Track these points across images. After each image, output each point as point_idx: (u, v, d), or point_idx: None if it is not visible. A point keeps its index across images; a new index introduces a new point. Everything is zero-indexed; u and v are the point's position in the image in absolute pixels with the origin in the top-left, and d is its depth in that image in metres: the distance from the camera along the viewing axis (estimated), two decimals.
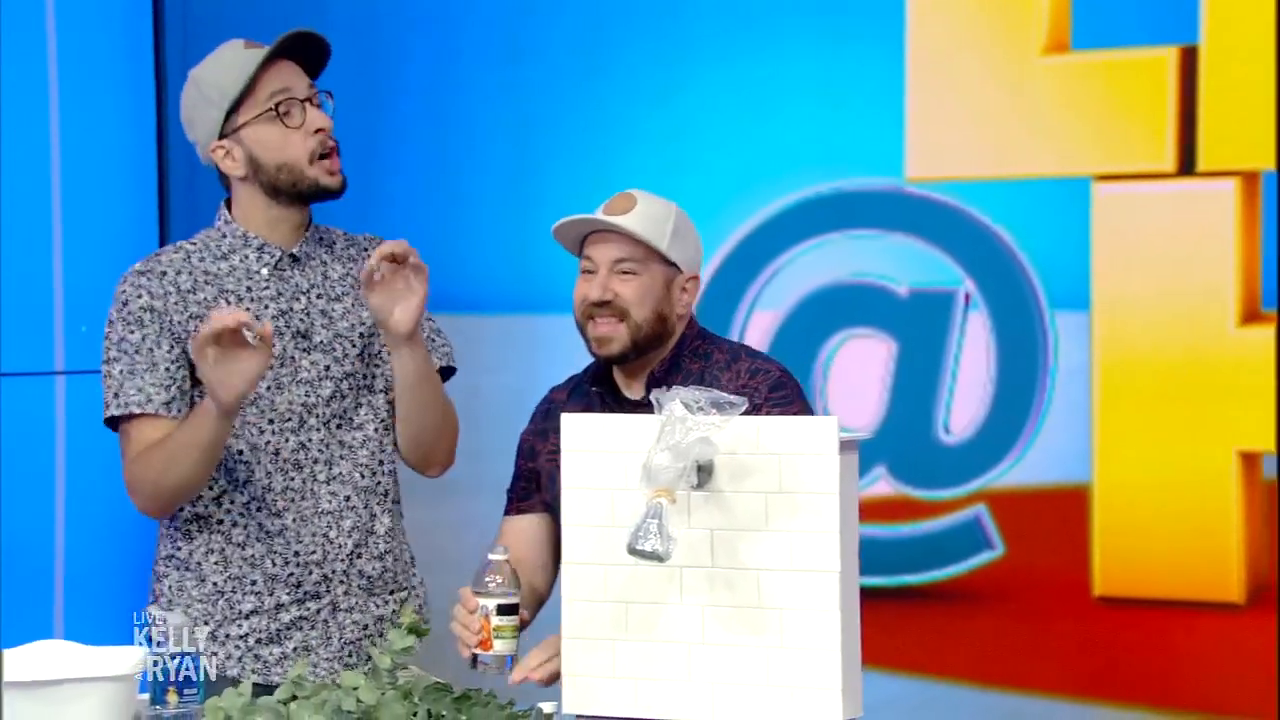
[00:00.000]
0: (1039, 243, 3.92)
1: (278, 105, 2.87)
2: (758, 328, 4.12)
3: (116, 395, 2.85)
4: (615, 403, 3.02)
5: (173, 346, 2.84)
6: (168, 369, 2.84)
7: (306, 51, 2.95)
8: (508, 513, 3.11)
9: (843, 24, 4.06)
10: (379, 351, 2.97)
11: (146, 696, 2.50)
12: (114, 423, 2.89)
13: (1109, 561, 3.87)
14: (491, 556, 2.72)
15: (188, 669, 2.49)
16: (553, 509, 3.00)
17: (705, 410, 2.51)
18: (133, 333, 2.85)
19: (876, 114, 4.03)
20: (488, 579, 2.72)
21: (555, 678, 2.71)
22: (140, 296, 2.85)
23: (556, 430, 2.77)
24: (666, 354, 3.03)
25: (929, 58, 4.00)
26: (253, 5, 4.37)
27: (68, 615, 4.23)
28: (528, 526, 3.07)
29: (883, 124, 4.03)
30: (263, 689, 2.76)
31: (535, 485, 3.07)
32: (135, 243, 4.18)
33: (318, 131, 2.89)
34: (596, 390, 3.03)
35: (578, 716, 2.61)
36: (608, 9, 4.26)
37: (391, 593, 3.01)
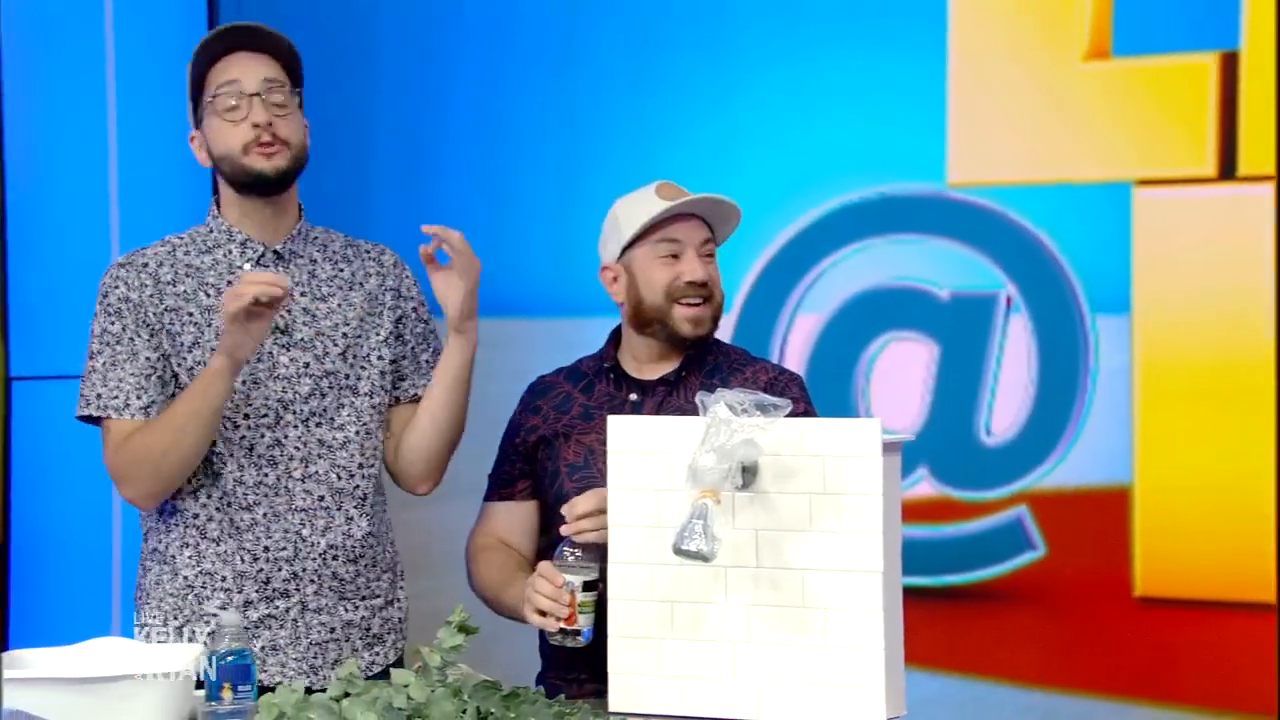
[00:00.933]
0: (1080, 247, 3.92)
1: (216, 98, 2.88)
2: (801, 330, 4.13)
3: (99, 395, 2.85)
4: (626, 382, 3.01)
5: (151, 336, 2.85)
6: (147, 358, 2.84)
7: (277, 48, 2.95)
8: (490, 498, 3.08)
9: (886, 30, 4.06)
10: (366, 355, 2.95)
11: (202, 693, 2.52)
12: (90, 419, 2.90)
13: (1150, 562, 3.86)
14: (568, 532, 2.74)
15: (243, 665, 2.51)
16: (541, 495, 3.02)
17: (750, 412, 2.52)
18: (112, 324, 2.86)
19: (919, 119, 4.03)
20: (569, 555, 2.74)
21: (602, 543, 2.69)
22: (118, 288, 2.87)
23: (548, 402, 2.95)
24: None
25: (971, 64, 4.00)
26: (306, 7, 4.39)
27: (124, 613, 4.24)
28: (516, 509, 3.04)
29: (925, 129, 4.03)
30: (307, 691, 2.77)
31: (521, 468, 3.05)
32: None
33: (254, 126, 2.88)
34: (608, 365, 3.02)
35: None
36: (656, 15, 4.27)
37: (364, 599, 2.96)
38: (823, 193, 4.12)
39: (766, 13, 4.17)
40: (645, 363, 3.01)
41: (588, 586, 2.73)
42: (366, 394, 2.94)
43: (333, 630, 2.93)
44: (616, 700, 2.64)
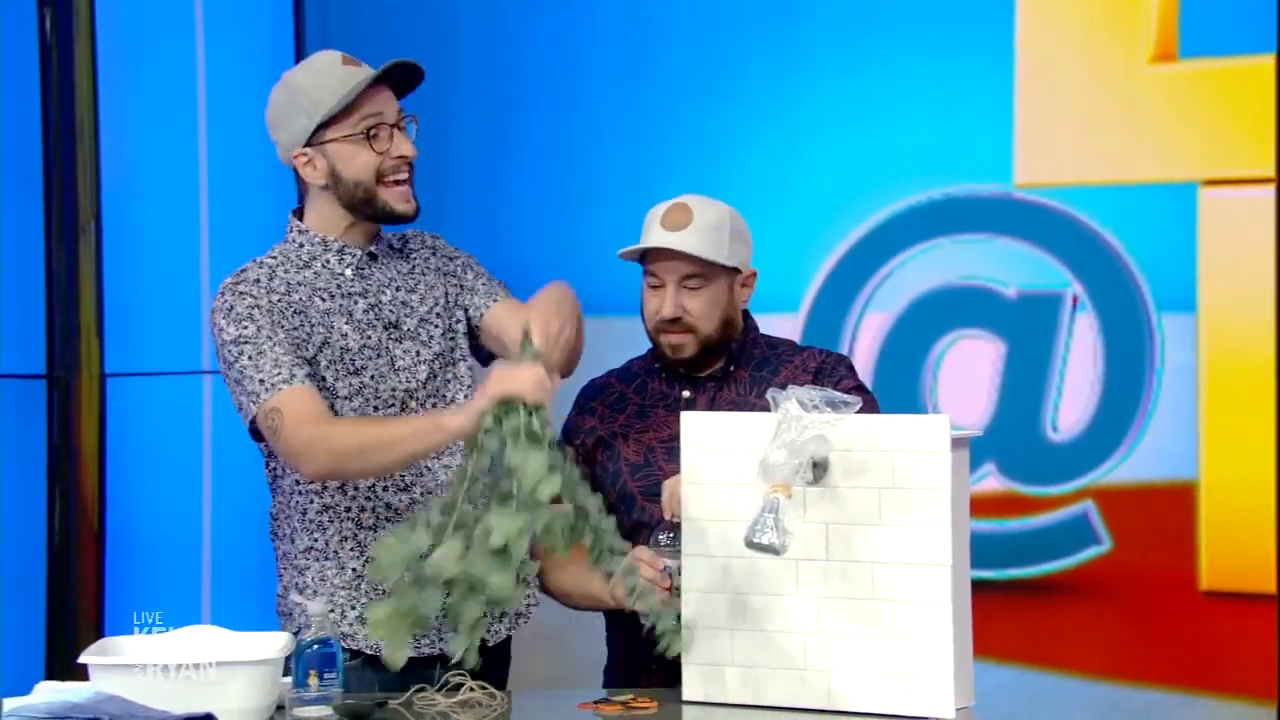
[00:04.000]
0: (1146, 246, 3.89)
1: (369, 129, 2.88)
2: (870, 329, 4.12)
3: (260, 382, 2.79)
4: (678, 379, 3.02)
5: (288, 333, 2.84)
6: (289, 344, 2.82)
7: (399, 74, 2.95)
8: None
9: (954, 34, 4.05)
10: (453, 324, 2.99)
11: (289, 679, 2.54)
12: (256, 425, 2.88)
13: (1215, 556, 3.83)
14: (668, 517, 2.72)
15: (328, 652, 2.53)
16: (594, 491, 3.00)
17: (820, 409, 2.51)
18: (246, 328, 2.82)
19: (986, 121, 4.01)
20: (665, 540, 2.73)
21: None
22: (244, 299, 2.84)
23: (602, 403, 2.93)
24: (739, 336, 3.03)
25: (1038, 66, 3.97)
26: (389, 14, 4.42)
27: (214, 602, 4.28)
28: None
29: (992, 131, 4.01)
30: (415, 662, 2.79)
31: (581, 470, 3.03)
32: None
33: (399, 157, 2.88)
34: (658, 365, 3.03)
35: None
36: (725, 23, 4.27)
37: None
38: (891, 194, 4.11)
39: (835, 16, 4.16)
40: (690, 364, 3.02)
41: (681, 571, 2.70)
42: (461, 359, 2.99)
43: None
44: (690, 690, 2.64)
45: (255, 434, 2.86)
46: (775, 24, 4.22)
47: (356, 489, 2.89)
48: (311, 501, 2.91)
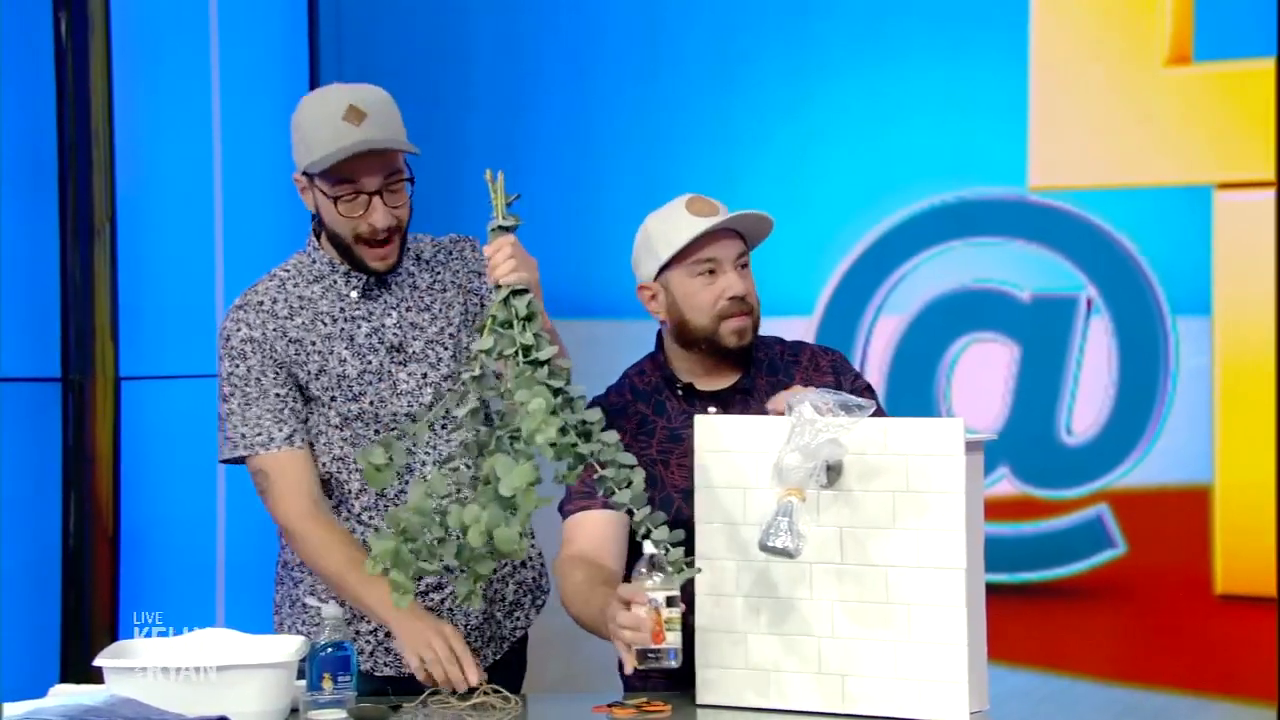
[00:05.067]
0: (1160, 249, 3.88)
1: (339, 197, 2.82)
2: (884, 332, 4.10)
3: (242, 435, 2.84)
4: (697, 396, 2.91)
5: (278, 374, 2.85)
6: (278, 394, 2.84)
7: (399, 138, 2.86)
8: (572, 510, 2.90)
9: (968, 38, 4.04)
10: (466, 345, 2.94)
11: (303, 683, 2.54)
12: (238, 460, 2.89)
13: (1230, 560, 3.82)
14: (648, 550, 2.55)
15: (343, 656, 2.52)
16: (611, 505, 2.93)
17: (835, 412, 2.50)
18: (238, 366, 2.85)
19: (1000, 124, 4.01)
20: (645, 572, 2.57)
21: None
22: (240, 330, 2.85)
23: (629, 423, 2.83)
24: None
25: (1052, 69, 3.96)
26: (401, 13, 4.42)
27: (228, 605, 4.28)
28: (600, 521, 2.88)
29: (1006, 134, 4.00)
30: (396, 682, 2.78)
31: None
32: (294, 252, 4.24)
33: (369, 225, 2.85)
34: (680, 388, 2.91)
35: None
36: (740, 27, 4.26)
37: (510, 573, 2.96)
38: (906, 197, 4.10)
39: (849, 19, 4.15)
40: (702, 375, 2.93)
41: (671, 602, 2.53)
42: None
43: (484, 611, 2.93)
44: (704, 693, 2.63)
45: (228, 460, 2.90)
46: (789, 28, 4.21)
47: (350, 510, 2.89)
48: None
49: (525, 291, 2.63)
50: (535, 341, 2.59)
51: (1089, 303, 3.94)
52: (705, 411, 2.84)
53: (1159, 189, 3.88)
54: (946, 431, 2.51)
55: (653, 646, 2.52)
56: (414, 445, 2.87)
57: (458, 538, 2.55)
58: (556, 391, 2.56)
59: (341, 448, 2.87)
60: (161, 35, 4.32)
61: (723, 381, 2.92)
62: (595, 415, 2.58)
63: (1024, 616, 3.93)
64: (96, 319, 4.21)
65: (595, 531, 2.85)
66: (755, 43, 4.24)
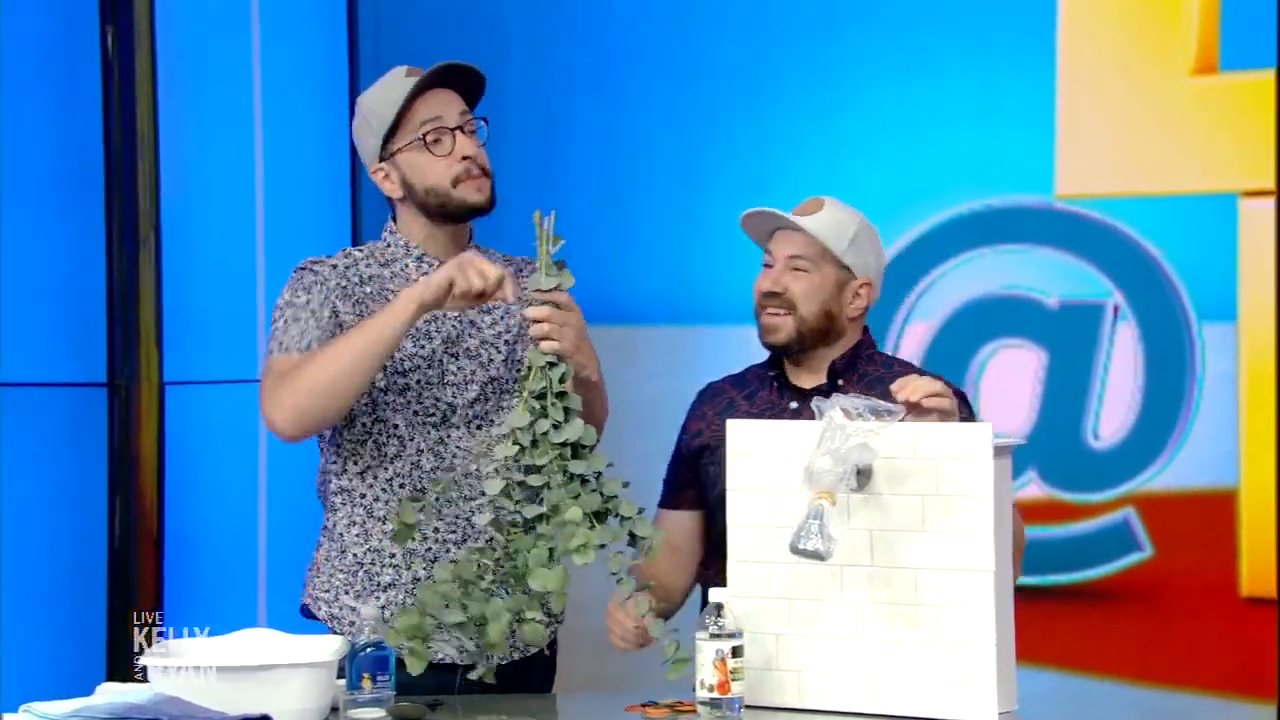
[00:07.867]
0: (1187, 256, 3.87)
1: (426, 134, 2.88)
2: (913, 338, 4.10)
3: (280, 344, 2.82)
4: (788, 390, 2.98)
5: (332, 315, 2.85)
6: (329, 320, 2.84)
7: (463, 78, 2.95)
8: (664, 504, 3.05)
9: (995, 45, 4.03)
10: (522, 356, 2.94)
11: (343, 683, 2.55)
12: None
13: (1255, 563, 3.80)
14: (715, 599, 2.53)
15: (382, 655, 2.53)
16: (705, 501, 3.00)
17: (865, 417, 2.51)
18: (299, 296, 2.86)
19: (1028, 132, 4.00)
20: (714, 620, 2.52)
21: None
22: (311, 274, 2.88)
23: (713, 408, 2.89)
24: (846, 351, 2.98)
25: (1080, 78, 3.96)
26: (438, 17, 4.43)
27: (270, 606, 4.30)
28: (684, 520, 3.02)
29: (1034, 142, 3.99)
30: (434, 667, 2.78)
31: (686, 477, 3.04)
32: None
33: (464, 159, 2.89)
34: (772, 374, 3.00)
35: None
36: (771, 34, 4.26)
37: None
38: (933, 204, 4.10)
39: (877, 28, 4.15)
40: (805, 372, 2.98)
41: (737, 652, 2.50)
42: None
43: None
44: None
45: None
46: (818, 36, 4.21)
47: (375, 477, 2.88)
48: (330, 481, 2.91)
49: (560, 363, 2.66)
50: (565, 417, 2.64)
51: (1115, 309, 3.93)
52: (788, 405, 2.94)
53: (1185, 197, 3.87)
54: (975, 436, 2.51)
55: (718, 696, 2.50)
56: (457, 453, 2.89)
57: (477, 625, 2.60)
58: (584, 480, 2.61)
59: (381, 411, 2.87)
60: (205, 48, 4.35)
61: (819, 379, 2.96)
62: (614, 489, 2.63)
63: (1052, 618, 3.92)
64: (141, 325, 4.23)
65: (680, 527, 3.01)
66: (786, 52, 4.24)
